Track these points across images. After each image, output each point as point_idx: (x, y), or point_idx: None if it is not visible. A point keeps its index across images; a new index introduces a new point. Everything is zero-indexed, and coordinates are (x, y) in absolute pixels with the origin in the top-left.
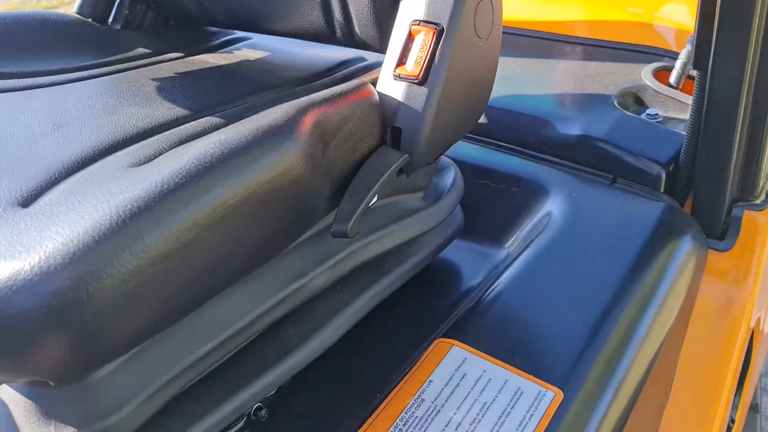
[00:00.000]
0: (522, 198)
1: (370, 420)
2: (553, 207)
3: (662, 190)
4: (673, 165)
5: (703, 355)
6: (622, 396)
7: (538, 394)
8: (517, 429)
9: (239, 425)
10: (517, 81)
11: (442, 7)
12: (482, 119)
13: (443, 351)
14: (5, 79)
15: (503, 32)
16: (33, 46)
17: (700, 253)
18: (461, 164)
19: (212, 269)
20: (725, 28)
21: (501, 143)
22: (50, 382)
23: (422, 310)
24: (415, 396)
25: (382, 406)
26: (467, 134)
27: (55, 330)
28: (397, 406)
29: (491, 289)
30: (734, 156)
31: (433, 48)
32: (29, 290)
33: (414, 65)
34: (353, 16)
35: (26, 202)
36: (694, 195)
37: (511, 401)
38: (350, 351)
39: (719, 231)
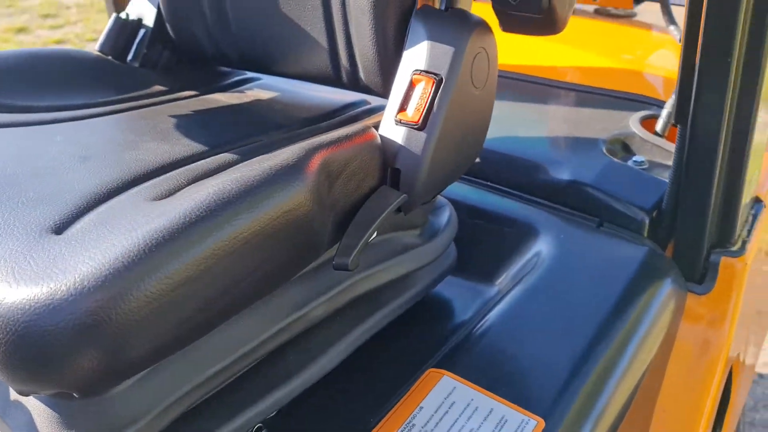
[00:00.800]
0: (513, 238)
1: None
2: (542, 247)
3: (646, 235)
4: (656, 211)
5: (681, 393)
6: (602, 427)
7: (521, 422)
8: None
9: None
10: (510, 125)
11: (442, 58)
12: (477, 161)
13: (434, 380)
14: (30, 112)
15: (499, 76)
16: (56, 80)
17: (680, 295)
18: (456, 204)
19: (226, 294)
20: (703, 88)
21: (494, 185)
22: (75, 395)
23: (415, 341)
24: (406, 422)
25: (375, 430)
26: (462, 175)
27: (86, 345)
28: (389, 431)
29: (481, 323)
30: (712, 205)
31: (432, 96)
32: (65, 309)
33: (414, 111)
34: (359, 62)
35: (59, 229)
36: (675, 240)
37: (495, 428)
38: (347, 378)
39: (698, 275)
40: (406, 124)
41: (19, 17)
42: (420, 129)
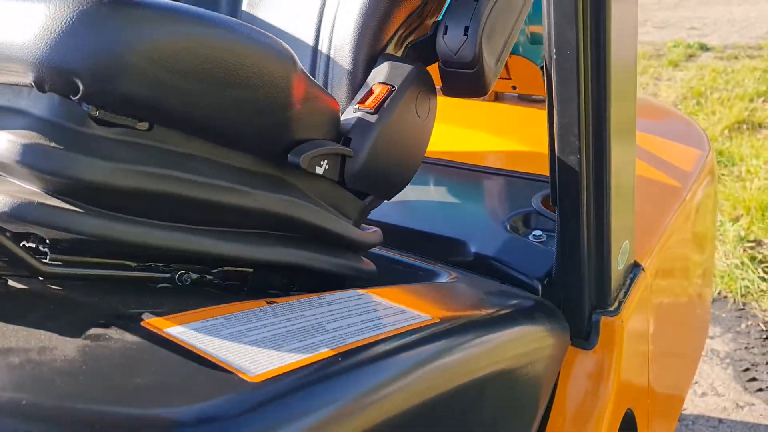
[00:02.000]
0: (424, 277)
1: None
2: (444, 279)
3: None
4: (547, 279)
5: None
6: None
7: (416, 315)
8: (391, 324)
9: (167, 277)
10: (431, 205)
11: (397, 78)
12: (399, 239)
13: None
14: None
15: (425, 162)
16: None
17: (563, 336)
18: (377, 259)
19: (201, 97)
20: (562, 179)
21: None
22: (80, 84)
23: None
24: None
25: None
26: (390, 247)
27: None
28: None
29: None
30: (586, 274)
31: (386, 96)
32: None
33: (370, 103)
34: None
35: None
36: (563, 303)
37: (391, 313)
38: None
39: (585, 333)
40: (362, 110)
41: None
42: (373, 113)
